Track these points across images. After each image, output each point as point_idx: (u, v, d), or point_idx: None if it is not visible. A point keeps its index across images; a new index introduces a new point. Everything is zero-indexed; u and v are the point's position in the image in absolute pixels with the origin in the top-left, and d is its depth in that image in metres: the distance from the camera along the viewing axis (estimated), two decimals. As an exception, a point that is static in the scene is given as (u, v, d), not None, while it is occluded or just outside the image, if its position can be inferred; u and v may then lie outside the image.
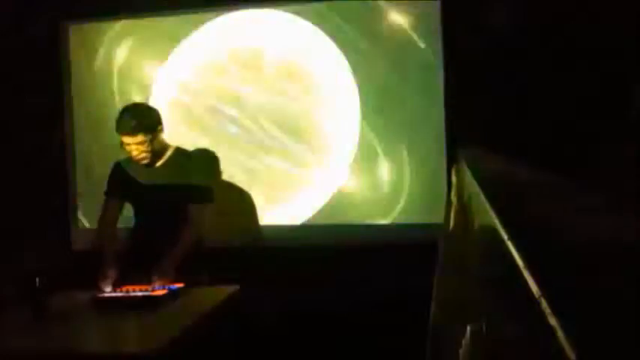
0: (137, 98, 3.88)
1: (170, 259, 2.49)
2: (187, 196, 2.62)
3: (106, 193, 2.76)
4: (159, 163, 2.68)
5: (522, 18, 3.26)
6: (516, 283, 0.83)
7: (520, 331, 0.88)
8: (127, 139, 2.55)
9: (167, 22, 3.90)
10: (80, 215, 4.04)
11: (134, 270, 2.51)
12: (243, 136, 3.72)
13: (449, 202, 1.83)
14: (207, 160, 3.22)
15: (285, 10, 3.72)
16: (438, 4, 3.49)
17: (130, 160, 2.65)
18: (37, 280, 2.20)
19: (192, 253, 2.57)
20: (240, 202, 3.37)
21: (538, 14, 3.24)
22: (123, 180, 2.72)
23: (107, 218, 2.72)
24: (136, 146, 2.55)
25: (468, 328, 1.09)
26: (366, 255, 3.46)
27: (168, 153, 2.70)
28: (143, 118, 2.56)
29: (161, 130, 2.64)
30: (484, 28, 3.29)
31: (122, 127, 2.54)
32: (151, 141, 2.56)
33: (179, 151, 2.76)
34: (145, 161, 2.60)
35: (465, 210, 1.55)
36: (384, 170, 3.62)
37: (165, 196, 2.63)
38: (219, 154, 3.60)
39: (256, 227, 3.37)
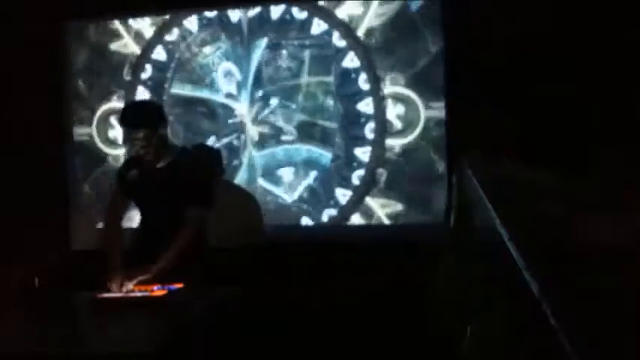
0: (137, 97, 3.89)
1: (159, 262, 2.48)
2: (186, 198, 2.60)
3: (115, 184, 2.75)
4: (161, 164, 2.66)
5: (523, 19, 3.26)
6: (517, 283, 0.83)
7: (520, 331, 0.88)
8: (128, 133, 2.54)
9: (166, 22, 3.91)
10: (80, 216, 4.04)
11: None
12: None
13: (450, 203, 1.84)
14: (209, 162, 3.17)
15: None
16: (438, 5, 3.50)
17: (137, 159, 2.64)
18: (37, 280, 2.19)
19: (194, 254, 2.56)
20: (244, 202, 3.36)
21: (539, 16, 3.25)
22: (128, 177, 2.71)
23: (112, 210, 2.70)
24: (137, 141, 2.53)
25: (469, 327, 1.09)
26: (366, 255, 3.46)
27: (172, 153, 2.68)
28: (146, 113, 2.54)
29: (164, 127, 2.62)
30: (485, 30, 3.29)
31: (125, 120, 2.52)
32: (153, 137, 2.54)
33: (183, 152, 2.73)
34: (146, 157, 2.58)
35: (466, 210, 1.55)
36: (385, 170, 3.63)
37: (165, 197, 2.62)
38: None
39: (260, 228, 3.35)
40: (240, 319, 2.51)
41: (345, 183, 3.67)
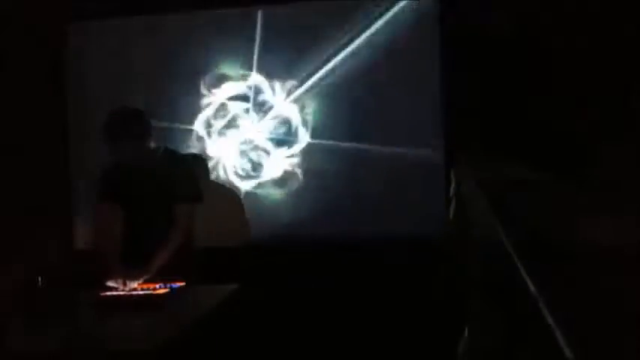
0: (137, 97, 3.91)
1: (156, 260, 2.49)
2: (174, 196, 2.59)
3: (99, 199, 2.70)
4: (147, 165, 2.65)
5: (522, 16, 3.26)
6: (515, 284, 0.84)
7: (519, 332, 0.88)
8: (117, 144, 2.51)
9: (167, 22, 3.92)
10: (82, 214, 4.04)
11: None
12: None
13: (449, 202, 1.84)
14: (194, 159, 3.19)
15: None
16: (436, 4, 3.51)
17: (118, 163, 2.63)
18: (39, 279, 2.20)
19: (183, 252, 2.56)
20: (229, 201, 3.37)
21: (538, 13, 3.25)
22: (113, 184, 2.68)
23: (104, 224, 2.69)
24: (124, 150, 2.51)
25: (466, 328, 1.09)
26: (366, 254, 3.47)
27: (157, 154, 2.67)
28: (132, 123, 2.52)
29: (150, 134, 2.60)
30: (483, 27, 3.29)
31: (111, 133, 2.49)
32: (143, 144, 2.54)
33: (167, 152, 2.73)
34: (136, 164, 2.58)
35: (464, 209, 1.55)
36: (384, 170, 3.63)
37: (154, 197, 2.61)
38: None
39: (246, 226, 3.36)
40: (237, 317, 2.52)
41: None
